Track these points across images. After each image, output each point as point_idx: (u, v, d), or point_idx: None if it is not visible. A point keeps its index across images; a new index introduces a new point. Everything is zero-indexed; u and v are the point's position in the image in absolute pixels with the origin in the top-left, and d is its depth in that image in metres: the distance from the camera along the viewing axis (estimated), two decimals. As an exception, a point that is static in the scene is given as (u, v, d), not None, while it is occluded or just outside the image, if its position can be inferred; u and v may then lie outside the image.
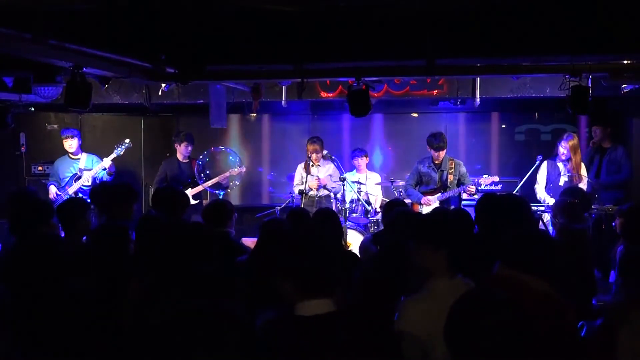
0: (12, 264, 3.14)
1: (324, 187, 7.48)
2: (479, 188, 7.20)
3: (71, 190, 7.12)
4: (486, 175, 7.21)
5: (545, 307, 2.67)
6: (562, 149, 6.94)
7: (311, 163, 7.48)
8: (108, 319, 2.90)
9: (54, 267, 3.05)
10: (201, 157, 7.78)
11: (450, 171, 7.04)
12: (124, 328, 2.98)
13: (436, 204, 6.90)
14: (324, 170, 7.61)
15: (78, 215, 4.29)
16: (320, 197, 7.48)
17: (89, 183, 7.17)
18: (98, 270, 3.38)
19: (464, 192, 7.01)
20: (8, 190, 6.85)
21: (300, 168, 7.71)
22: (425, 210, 6.84)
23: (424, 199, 7.00)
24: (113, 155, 7.28)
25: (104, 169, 7.17)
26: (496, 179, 7.16)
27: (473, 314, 1.91)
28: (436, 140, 6.95)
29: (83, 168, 7.22)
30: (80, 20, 4.70)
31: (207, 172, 7.89)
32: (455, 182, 7.05)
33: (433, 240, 2.76)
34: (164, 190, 5.22)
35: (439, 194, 7.04)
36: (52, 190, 7.20)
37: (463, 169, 7.12)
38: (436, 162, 7.08)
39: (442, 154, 7.01)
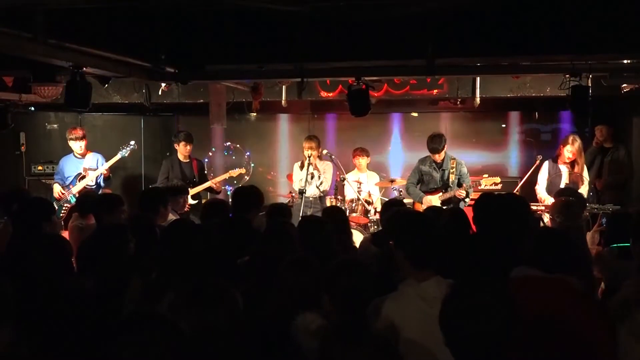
0: (15, 262, 3.15)
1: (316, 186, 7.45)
2: (480, 188, 7.19)
3: (75, 189, 7.10)
4: (486, 175, 7.20)
5: (582, 300, 2.75)
6: (568, 152, 6.90)
7: (307, 162, 7.43)
8: (109, 317, 2.91)
9: (56, 266, 3.06)
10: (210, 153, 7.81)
11: (451, 171, 7.01)
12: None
13: (438, 204, 6.88)
14: (321, 169, 7.57)
15: (112, 209, 4.65)
16: (315, 197, 7.45)
17: (93, 183, 7.15)
18: (99, 269, 3.39)
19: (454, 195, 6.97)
20: (5, 192, 6.85)
21: (296, 167, 7.70)
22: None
23: (425, 199, 6.99)
24: (117, 157, 7.26)
25: (101, 175, 7.17)
26: (497, 180, 7.14)
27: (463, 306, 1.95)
28: (432, 143, 6.92)
29: (88, 167, 7.21)
30: (80, 20, 4.70)
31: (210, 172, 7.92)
32: (456, 181, 7.03)
33: (393, 239, 2.79)
34: (143, 194, 5.26)
35: (440, 194, 7.02)
36: (57, 189, 7.18)
37: (464, 169, 7.08)
38: (437, 161, 7.06)
39: (439, 156, 6.98)
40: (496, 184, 7.12)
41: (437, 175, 7.05)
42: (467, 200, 6.99)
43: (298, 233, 3.80)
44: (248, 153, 8.23)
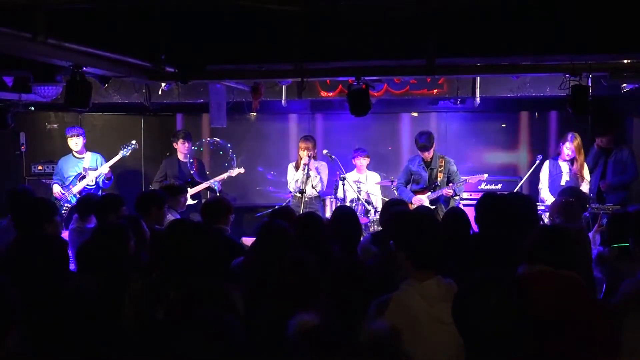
0: (15, 262, 3.14)
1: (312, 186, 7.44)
2: (479, 187, 7.20)
3: (75, 189, 7.12)
4: (477, 175, 7.20)
5: (587, 296, 2.78)
6: (567, 149, 6.92)
7: (303, 162, 7.42)
8: (110, 316, 2.91)
9: (57, 266, 3.05)
10: (194, 147, 7.76)
11: (440, 169, 7.04)
12: (125, 325, 2.99)
13: (427, 203, 6.90)
14: (315, 170, 7.55)
15: (111, 210, 4.69)
16: (310, 198, 7.44)
17: (93, 183, 7.17)
18: (100, 269, 3.39)
19: (442, 193, 6.97)
20: (8, 190, 6.85)
21: (291, 167, 7.69)
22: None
23: (414, 199, 7.00)
24: (118, 157, 7.27)
25: (101, 174, 7.17)
26: (483, 177, 7.16)
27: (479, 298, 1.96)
28: (421, 140, 6.95)
29: (88, 167, 7.22)
30: (80, 20, 4.70)
31: (207, 171, 7.89)
32: (445, 180, 7.04)
33: (394, 240, 2.79)
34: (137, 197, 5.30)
35: (429, 193, 7.03)
36: (56, 189, 7.19)
37: (453, 167, 7.10)
38: (426, 160, 7.08)
39: (428, 154, 7.00)
40: (490, 182, 7.15)
41: (425, 174, 7.07)
42: (456, 198, 7.01)
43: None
44: (229, 145, 8.16)
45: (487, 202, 4.10)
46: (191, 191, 7.46)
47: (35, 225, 4.11)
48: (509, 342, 1.93)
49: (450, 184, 6.96)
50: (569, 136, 6.99)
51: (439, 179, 7.00)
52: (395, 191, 7.67)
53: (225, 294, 2.89)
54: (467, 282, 2.07)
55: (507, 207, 4.00)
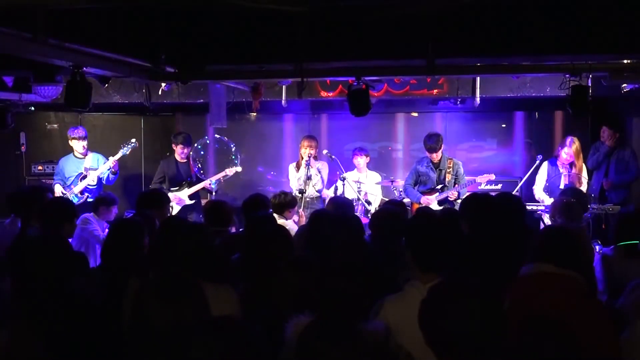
0: (17, 262, 3.14)
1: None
2: (479, 187, 7.19)
3: (76, 189, 7.13)
4: (486, 175, 7.21)
5: (589, 297, 2.78)
6: (565, 154, 6.91)
7: (304, 162, 7.42)
8: (111, 318, 2.91)
9: (59, 266, 3.05)
10: (198, 146, 7.75)
11: (448, 171, 7.05)
12: (123, 327, 2.98)
13: (435, 204, 6.91)
14: (316, 169, 7.55)
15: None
16: (311, 198, 7.44)
17: (95, 182, 7.18)
18: (114, 264, 3.39)
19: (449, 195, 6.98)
20: (8, 190, 6.84)
21: (292, 168, 7.69)
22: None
23: (423, 199, 7.01)
24: (119, 155, 7.28)
25: (109, 168, 7.19)
26: (492, 177, 7.17)
27: (444, 302, 1.90)
28: (429, 142, 6.96)
29: (89, 167, 7.23)
30: (80, 20, 4.70)
31: (202, 170, 7.88)
32: (453, 181, 7.05)
33: (405, 239, 2.80)
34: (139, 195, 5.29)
35: (437, 194, 7.04)
36: (58, 189, 7.20)
37: (461, 170, 7.12)
38: (434, 161, 7.08)
39: (436, 155, 7.00)
40: (493, 182, 7.16)
41: (434, 175, 7.08)
42: (458, 201, 7.01)
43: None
44: (232, 144, 8.13)
45: (470, 203, 4.09)
46: (189, 191, 7.47)
47: (57, 224, 4.12)
48: (480, 349, 1.82)
49: (456, 186, 6.98)
50: (568, 141, 6.98)
51: (447, 180, 7.01)
52: (395, 191, 7.68)
53: (221, 295, 2.88)
54: (435, 289, 1.99)
55: (493, 207, 3.98)
